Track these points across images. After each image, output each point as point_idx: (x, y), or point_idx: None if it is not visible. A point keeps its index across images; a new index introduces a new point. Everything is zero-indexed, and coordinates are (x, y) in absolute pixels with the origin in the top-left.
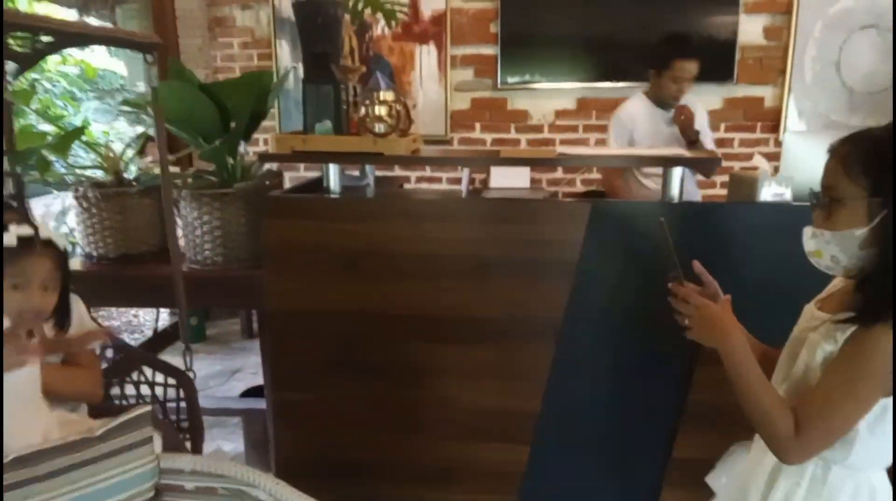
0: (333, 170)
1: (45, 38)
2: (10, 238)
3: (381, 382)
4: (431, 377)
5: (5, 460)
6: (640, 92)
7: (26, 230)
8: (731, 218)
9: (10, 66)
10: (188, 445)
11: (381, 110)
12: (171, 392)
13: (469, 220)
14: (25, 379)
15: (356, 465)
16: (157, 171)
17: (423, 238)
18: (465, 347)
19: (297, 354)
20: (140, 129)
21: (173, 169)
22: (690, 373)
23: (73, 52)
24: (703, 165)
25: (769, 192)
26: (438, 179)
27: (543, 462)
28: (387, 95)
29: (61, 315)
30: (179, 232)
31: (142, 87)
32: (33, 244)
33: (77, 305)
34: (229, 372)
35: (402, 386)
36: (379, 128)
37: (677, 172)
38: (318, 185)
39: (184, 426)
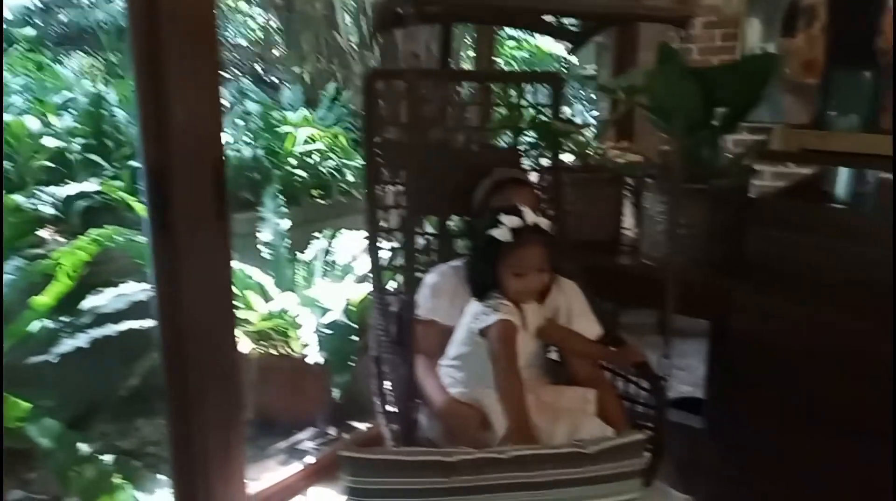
0: (846, 174)
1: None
2: (503, 233)
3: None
4: None
5: (505, 455)
6: None
7: (515, 222)
8: None
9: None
10: None
11: None
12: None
13: None
14: None
15: None
16: (619, 159)
17: None
18: None
19: (753, 386)
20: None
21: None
22: None
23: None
24: None
25: None
26: None
27: None
28: None
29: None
30: (632, 222)
31: (590, 70)
32: (524, 233)
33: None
34: None
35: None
36: None
37: None
38: (812, 188)
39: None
